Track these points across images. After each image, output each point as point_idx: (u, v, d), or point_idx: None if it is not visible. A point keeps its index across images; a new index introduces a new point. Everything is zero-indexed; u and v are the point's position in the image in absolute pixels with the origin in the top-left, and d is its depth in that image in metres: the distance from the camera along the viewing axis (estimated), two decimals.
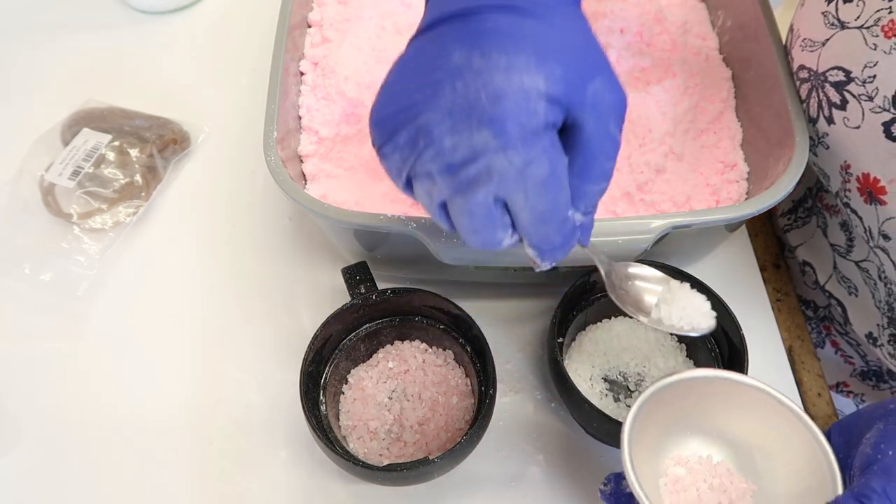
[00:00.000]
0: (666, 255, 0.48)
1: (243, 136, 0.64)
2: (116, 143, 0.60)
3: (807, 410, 0.51)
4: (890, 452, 0.32)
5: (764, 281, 0.56)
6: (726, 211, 0.44)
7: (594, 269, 0.47)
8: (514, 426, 0.49)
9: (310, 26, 0.60)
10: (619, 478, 0.38)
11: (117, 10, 0.74)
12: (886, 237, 0.45)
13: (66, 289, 0.55)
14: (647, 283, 0.41)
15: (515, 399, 0.51)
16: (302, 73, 0.57)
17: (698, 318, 0.40)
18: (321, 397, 0.46)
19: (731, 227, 0.49)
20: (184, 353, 0.53)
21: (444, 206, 0.34)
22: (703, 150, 0.53)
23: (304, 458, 0.48)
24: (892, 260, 0.46)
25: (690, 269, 0.47)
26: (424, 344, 0.50)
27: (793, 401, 0.37)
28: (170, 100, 0.66)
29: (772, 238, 0.61)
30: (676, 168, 0.52)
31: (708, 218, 0.44)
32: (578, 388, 0.43)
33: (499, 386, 0.45)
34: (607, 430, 0.43)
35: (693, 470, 0.39)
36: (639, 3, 0.60)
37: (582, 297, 0.49)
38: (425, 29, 0.34)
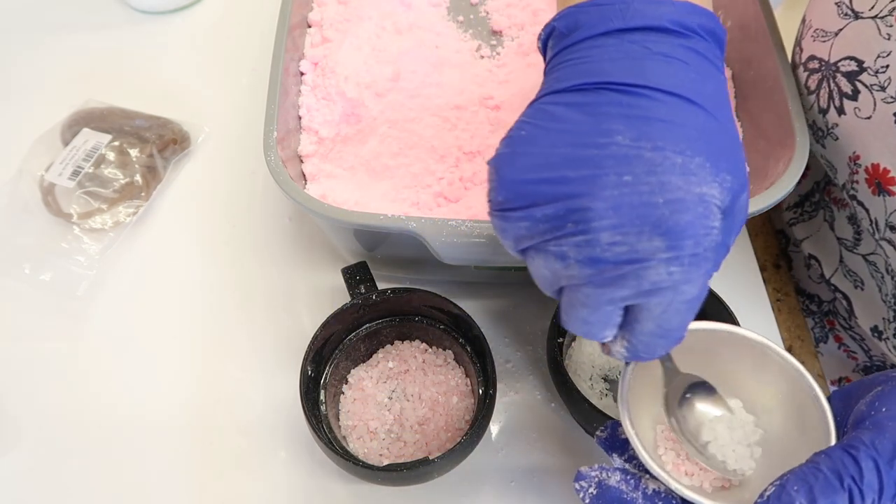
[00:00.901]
0: None
1: (243, 136, 0.64)
2: (116, 143, 0.60)
3: None
4: (883, 409, 0.32)
5: (764, 281, 0.56)
6: None
7: None
8: (514, 426, 0.49)
9: (310, 26, 0.60)
10: (617, 425, 0.38)
11: (117, 10, 0.74)
12: (893, 228, 0.45)
13: (66, 289, 0.55)
14: (705, 405, 0.38)
15: (515, 399, 0.51)
16: (302, 73, 0.57)
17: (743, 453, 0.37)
18: (321, 397, 0.46)
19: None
20: (184, 353, 0.53)
21: (561, 289, 0.32)
22: None
23: (304, 458, 0.48)
24: None
25: None
26: (424, 344, 0.50)
27: (794, 358, 0.37)
28: (170, 100, 0.66)
29: (772, 238, 0.61)
30: None
31: None
32: (578, 387, 0.43)
33: (499, 386, 0.45)
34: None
35: (692, 416, 0.38)
36: None
37: None
38: (571, 90, 0.31)
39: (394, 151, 0.53)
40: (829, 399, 0.36)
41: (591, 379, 0.48)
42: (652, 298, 0.29)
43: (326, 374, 0.47)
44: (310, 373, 0.45)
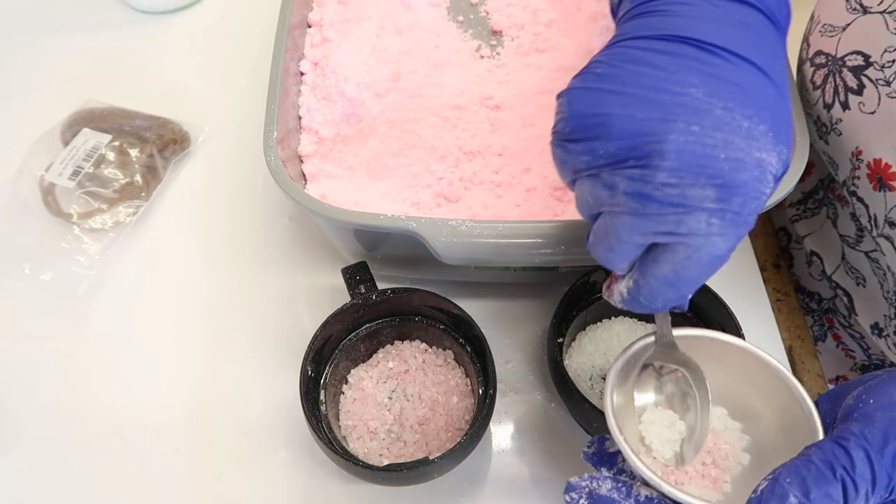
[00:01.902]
0: None
1: (243, 136, 0.64)
2: (116, 143, 0.60)
3: None
4: (871, 401, 0.32)
5: (764, 281, 0.56)
6: None
7: (593, 270, 0.47)
8: (514, 426, 0.50)
9: (310, 26, 0.60)
10: (603, 440, 0.38)
11: (117, 10, 0.74)
12: (893, 224, 0.45)
13: (66, 289, 0.55)
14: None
15: (515, 399, 0.51)
16: (302, 73, 0.57)
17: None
18: (321, 397, 0.46)
19: None
20: (184, 352, 0.53)
21: (598, 214, 0.33)
22: None
23: (304, 458, 0.48)
24: (895, 247, 0.46)
25: None
26: (424, 344, 0.50)
27: (780, 361, 0.37)
28: (170, 100, 0.66)
29: (772, 238, 0.61)
30: None
31: None
32: (578, 388, 0.43)
33: (499, 386, 0.45)
34: (607, 431, 0.43)
35: (672, 427, 0.39)
36: None
37: (581, 298, 0.49)
38: (652, 37, 0.32)
39: (394, 151, 0.53)
40: (816, 403, 0.36)
41: (591, 379, 0.48)
42: (682, 241, 0.31)
43: (326, 374, 0.47)
44: (310, 373, 0.45)
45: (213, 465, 0.48)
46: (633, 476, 0.36)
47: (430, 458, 0.41)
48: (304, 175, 0.53)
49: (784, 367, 0.37)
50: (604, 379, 0.48)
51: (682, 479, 0.37)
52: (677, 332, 0.38)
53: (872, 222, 0.47)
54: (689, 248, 0.31)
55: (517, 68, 0.59)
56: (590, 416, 0.43)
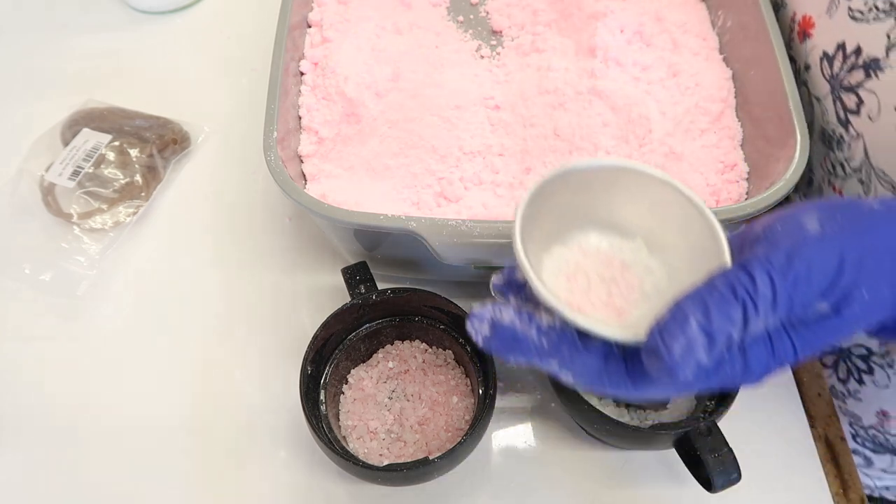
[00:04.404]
0: None
1: (243, 136, 0.64)
2: (116, 143, 0.60)
3: (807, 411, 0.51)
4: (778, 227, 0.32)
5: None
6: (726, 211, 0.44)
7: None
8: (514, 426, 0.50)
9: (310, 26, 0.60)
10: (513, 271, 0.37)
11: (117, 10, 0.74)
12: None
13: (66, 289, 0.55)
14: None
15: (515, 399, 0.51)
16: (302, 73, 0.57)
17: None
18: (321, 397, 0.46)
19: (732, 227, 0.49)
20: (184, 353, 0.53)
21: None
22: (703, 150, 0.53)
23: (304, 458, 0.48)
24: None
25: None
26: (424, 344, 0.50)
27: (694, 192, 0.36)
28: (170, 100, 0.66)
29: None
30: (676, 168, 0.52)
31: None
32: (576, 389, 0.43)
33: (499, 386, 0.45)
34: (607, 431, 0.43)
35: (588, 256, 0.38)
36: (639, 2, 0.60)
37: None
38: None
39: (394, 151, 0.53)
40: (729, 240, 0.35)
41: None
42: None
43: (326, 374, 0.47)
44: (310, 373, 0.45)
45: (213, 465, 0.48)
46: (537, 306, 0.34)
47: (430, 458, 0.41)
48: (304, 175, 0.53)
49: (701, 201, 0.36)
50: None
51: (585, 307, 0.35)
52: (599, 161, 0.37)
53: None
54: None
55: (517, 68, 0.59)
56: (589, 418, 0.43)
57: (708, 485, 0.41)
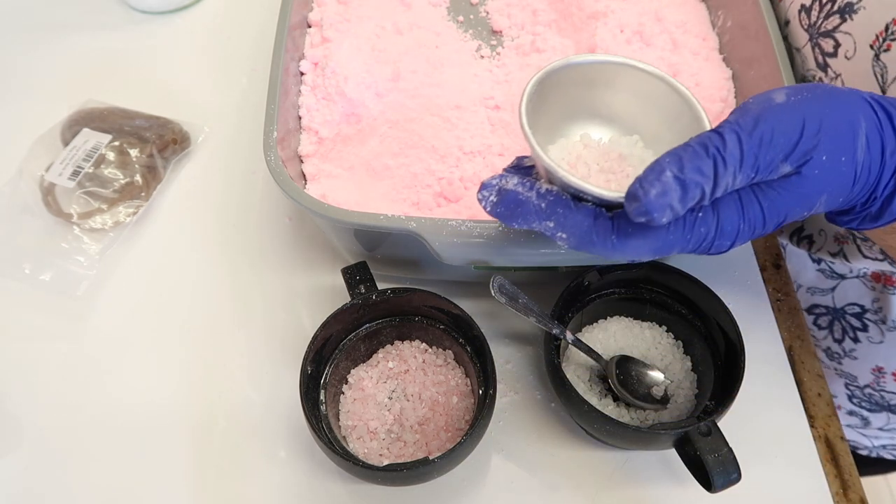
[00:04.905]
0: (666, 256, 0.48)
1: (243, 136, 0.64)
2: (116, 143, 0.60)
3: (806, 411, 0.51)
4: (751, 101, 0.35)
5: (764, 281, 0.56)
6: None
7: (587, 270, 0.48)
8: (514, 426, 0.49)
9: (310, 26, 0.60)
10: (522, 158, 0.41)
11: (117, 10, 0.74)
12: None
13: (66, 289, 0.55)
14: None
15: (515, 399, 0.51)
16: (302, 73, 0.57)
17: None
18: (321, 397, 0.46)
19: None
20: (184, 353, 0.53)
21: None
22: None
23: (304, 458, 0.48)
24: None
25: (690, 269, 0.48)
26: (424, 344, 0.50)
27: (686, 88, 0.40)
28: (170, 100, 0.66)
29: (772, 238, 0.61)
30: None
31: None
32: (577, 388, 0.43)
33: (499, 386, 0.45)
34: (607, 431, 0.43)
35: (589, 147, 0.41)
36: (638, 2, 0.60)
37: (576, 299, 0.49)
38: None
39: (394, 151, 0.53)
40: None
41: (589, 380, 0.48)
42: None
43: (326, 374, 0.47)
44: (310, 373, 0.45)
45: (213, 465, 0.48)
46: (539, 177, 0.38)
47: (430, 458, 0.41)
48: (304, 175, 0.53)
49: (690, 92, 0.40)
50: (602, 379, 0.48)
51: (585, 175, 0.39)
52: (600, 57, 0.41)
53: None
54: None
55: (517, 68, 0.59)
56: (589, 417, 0.43)
57: (708, 485, 0.41)
